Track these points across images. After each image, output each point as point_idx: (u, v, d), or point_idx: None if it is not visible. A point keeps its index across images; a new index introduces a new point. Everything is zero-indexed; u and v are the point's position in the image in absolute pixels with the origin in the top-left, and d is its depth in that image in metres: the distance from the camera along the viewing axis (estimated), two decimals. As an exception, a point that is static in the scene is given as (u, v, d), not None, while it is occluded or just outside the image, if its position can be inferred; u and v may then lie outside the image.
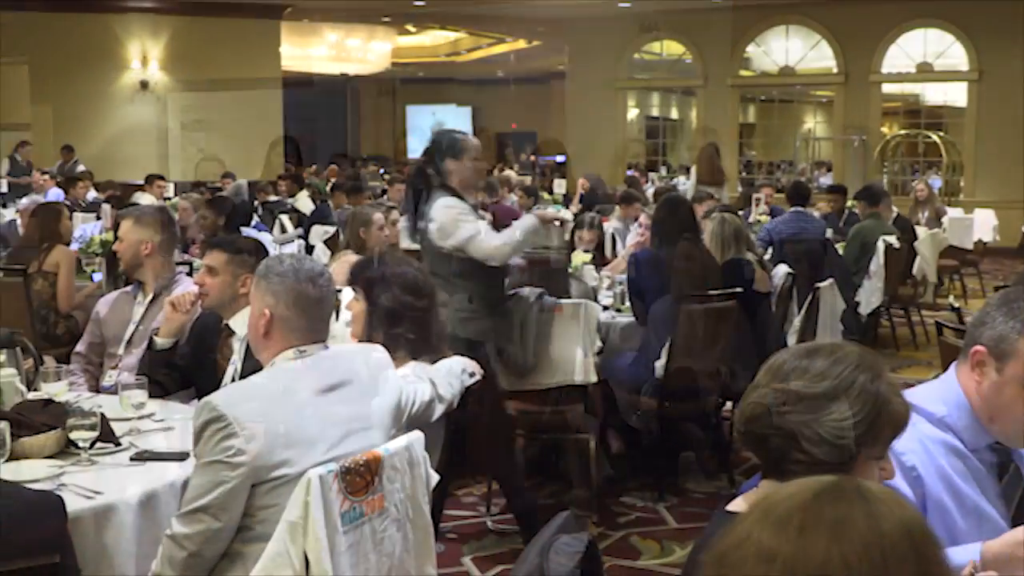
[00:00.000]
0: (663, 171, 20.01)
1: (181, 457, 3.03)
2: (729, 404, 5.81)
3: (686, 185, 13.78)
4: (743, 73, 18.78)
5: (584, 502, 5.26)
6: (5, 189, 14.14)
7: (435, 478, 2.87)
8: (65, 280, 6.67)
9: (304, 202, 13.02)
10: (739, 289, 5.39)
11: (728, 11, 17.47)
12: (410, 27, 24.72)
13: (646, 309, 5.40)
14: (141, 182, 13.46)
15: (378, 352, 2.97)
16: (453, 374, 3.29)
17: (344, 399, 2.71)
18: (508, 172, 17.90)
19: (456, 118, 32.03)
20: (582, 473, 5.46)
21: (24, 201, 9.43)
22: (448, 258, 4.65)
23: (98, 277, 7.10)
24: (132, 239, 4.49)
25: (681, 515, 5.18)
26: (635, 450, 5.87)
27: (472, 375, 3.40)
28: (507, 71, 28.36)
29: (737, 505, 2.05)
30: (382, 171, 22.39)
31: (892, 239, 8.70)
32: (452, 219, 4.62)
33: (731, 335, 5.35)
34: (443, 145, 4.80)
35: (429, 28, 25.10)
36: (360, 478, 2.53)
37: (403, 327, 3.42)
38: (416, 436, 2.79)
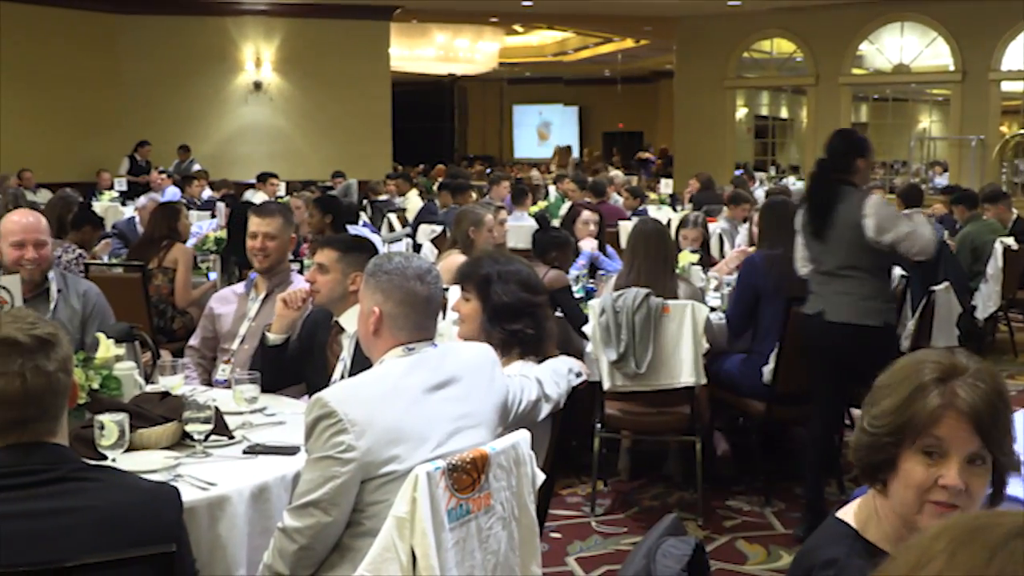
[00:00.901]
0: (772, 171, 19.73)
1: (292, 451, 3.08)
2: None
3: (796, 186, 13.57)
4: (856, 71, 18.39)
5: (690, 505, 5.22)
6: (125, 187, 14.55)
7: (541, 477, 2.86)
8: (183, 277, 6.85)
9: (414, 201, 13.16)
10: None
11: (841, 8, 17.14)
12: (517, 27, 24.80)
13: (755, 312, 5.32)
14: (253, 181, 13.75)
15: (485, 350, 2.98)
16: (560, 374, 3.28)
17: (452, 397, 2.72)
18: (614, 172, 17.82)
19: (563, 118, 32.11)
20: (688, 475, 5.42)
21: (142, 199, 9.67)
22: (875, 252, 4.70)
23: (213, 276, 7.26)
24: (284, 237, 4.60)
25: (789, 520, 5.10)
26: (742, 453, 5.81)
27: (579, 375, 3.38)
28: (614, 70, 28.26)
29: (847, 513, 2.01)
30: (488, 170, 22.49)
31: (1010, 241, 8.44)
32: (891, 215, 4.75)
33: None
34: (854, 144, 4.88)
35: (537, 28, 25.14)
36: (467, 475, 2.54)
37: (522, 323, 3.41)
38: (523, 435, 2.79)
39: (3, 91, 15.36)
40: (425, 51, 24.37)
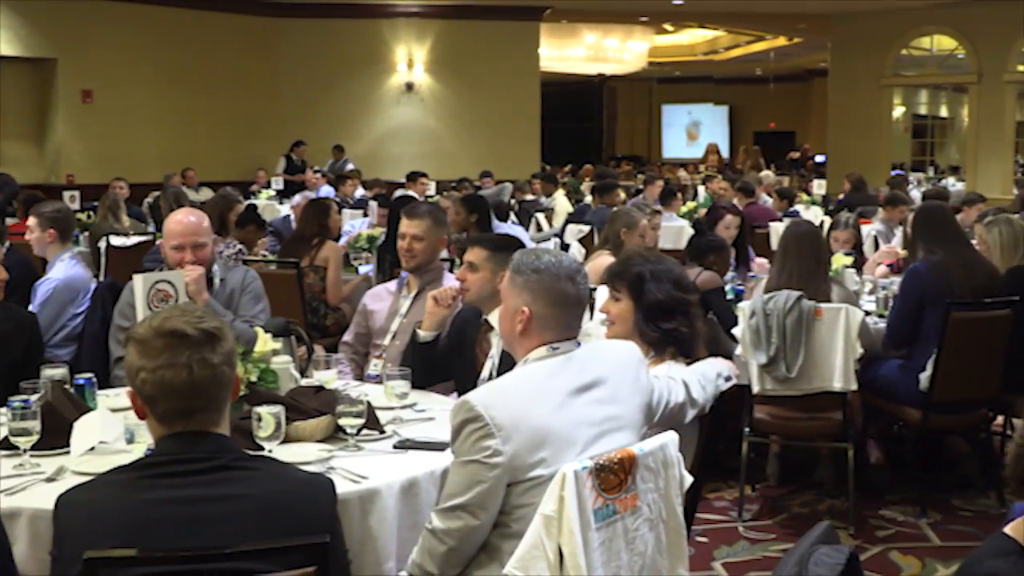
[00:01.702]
0: (930, 172, 19.11)
1: (441, 447, 3.11)
2: (1000, 418, 5.51)
3: (956, 187, 13.12)
4: (1021, 68, 17.67)
5: (841, 513, 5.10)
6: (281, 186, 14.97)
7: (689, 480, 2.83)
8: (334, 274, 7.00)
9: (560, 201, 13.19)
10: (1015, 297, 5.07)
11: (1006, 2, 16.47)
12: (668, 26, 24.61)
13: (918, 321, 5.14)
14: (403, 180, 13.99)
15: (631, 348, 2.94)
16: (708, 378, 3.22)
17: (598, 399, 2.69)
18: (765, 172, 17.51)
19: (713, 117, 31.74)
20: (839, 483, 5.30)
21: (297, 198, 9.96)
22: None
23: (363, 269, 7.41)
24: (433, 238, 4.66)
25: (945, 533, 4.93)
26: (896, 462, 5.64)
27: (728, 379, 3.32)
28: (766, 69, 27.79)
29: (1016, 529, 1.93)
30: (637, 171, 22.39)
31: None
32: None
33: (1005, 346, 5.06)
34: None
35: (687, 27, 24.90)
36: (613, 476, 2.52)
37: (676, 321, 3.37)
38: (671, 437, 2.76)
39: (169, 93, 16.01)
40: (574, 51, 24.39)
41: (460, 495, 2.54)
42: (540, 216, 11.59)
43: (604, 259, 5.48)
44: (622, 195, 11.71)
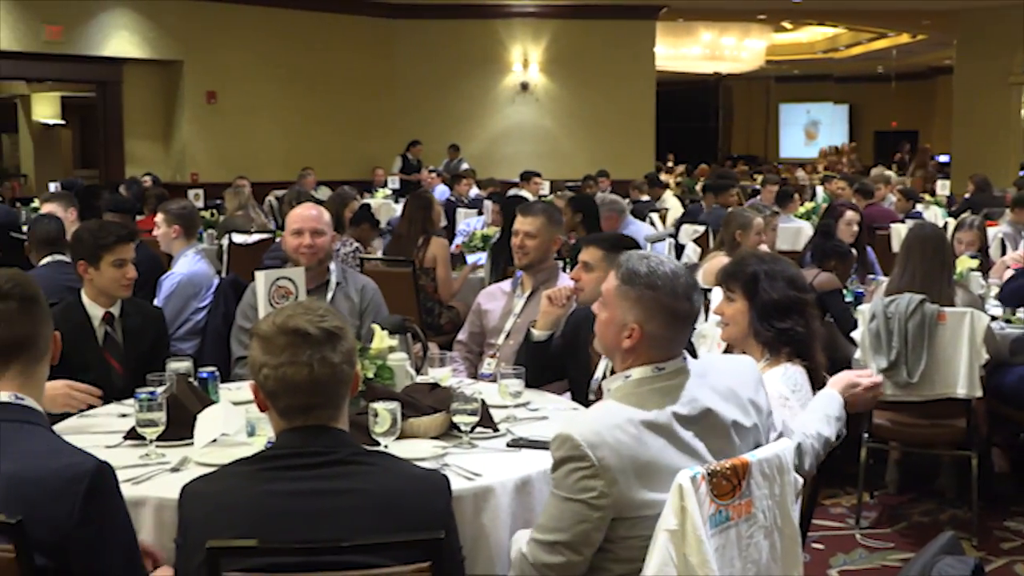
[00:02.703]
0: (1061, 172, 18.45)
1: (555, 446, 3.12)
2: None
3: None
4: None
5: (963, 523, 4.96)
6: (397, 185, 15.15)
7: (800, 483, 2.78)
8: (443, 271, 7.03)
9: (672, 202, 13.09)
10: None
11: None
12: (786, 24, 24.23)
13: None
14: (517, 179, 14.04)
15: (749, 366, 2.79)
16: (829, 418, 2.98)
17: (710, 428, 2.57)
18: (887, 172, 17.11)
19: (832, 116, 31.14)
20: (961, 492, 5.15)
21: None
22: None
23: (471, 259, 7.42)
24: (545, 236, 4.67)
25: (1074, 546, 4.77)
26: (1022, 471, 5.47)
27: (838, 418, 3.02)
28: (888, 67, 27.13)
29: None
30: (753, 171, 22.09)
31: None
32: None
33: None
34: None
35: (806, 24, 24.48)
36: (727, 482, 2.48)
37: (791, 320, 3.29)
38: (786, 444, 2.70)
39: (290, 94, 16.34)
40: (690, 50, 24.18)
41: (562, 531, 2.44)
42: (654, 216, 11.52)
43: (719, 260, 5.42)
44: (736, 194, 11.55)
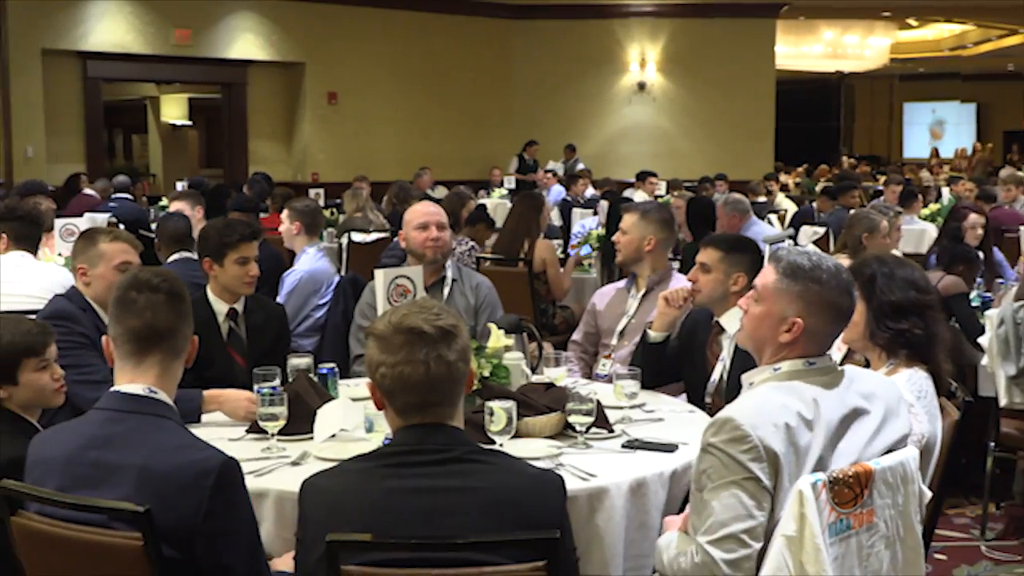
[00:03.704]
0: None
1: (670, 448, 3.10)
2: None
3: None
4: None
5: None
6: (513, 185, 15.21)
7: (928, 495, 2.71)
8: (553, 273, 6.98)
9: (785, 203, 12.89)
10: None
11: None
12: (911, 21, 23.63)
13: None
14: (632, 180, 13.97)
15: (892, 385, 2.74)
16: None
17: (865, 428, 2.54)
18: (1020, 173, 16.53)
19: (958, 115, 30.27)
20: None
21: (529, 197, 10.09)
22: None
23: (583, 252, 7.40)
24: (636, 235, 4.63)
25: None
26: None
27: None
28: (1020, 64, 26.25)
29: None
30: (875, 171, 21.60)
31: None
32: None
33: None
34: None
35: (932, 21, 23.83)
36: (848, 490, 2.43)
37: (909, 322, 3.20)
38: (911, 452, 2.63)
39: (408, 95, 16.54)
40: (812, 48, 23.75)
41: (739, 520, 2.38)
42: (773, 217, 11.35)
43: (841, 262, 5.31)
44: (858, 195, 11.31)
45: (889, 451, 2.56)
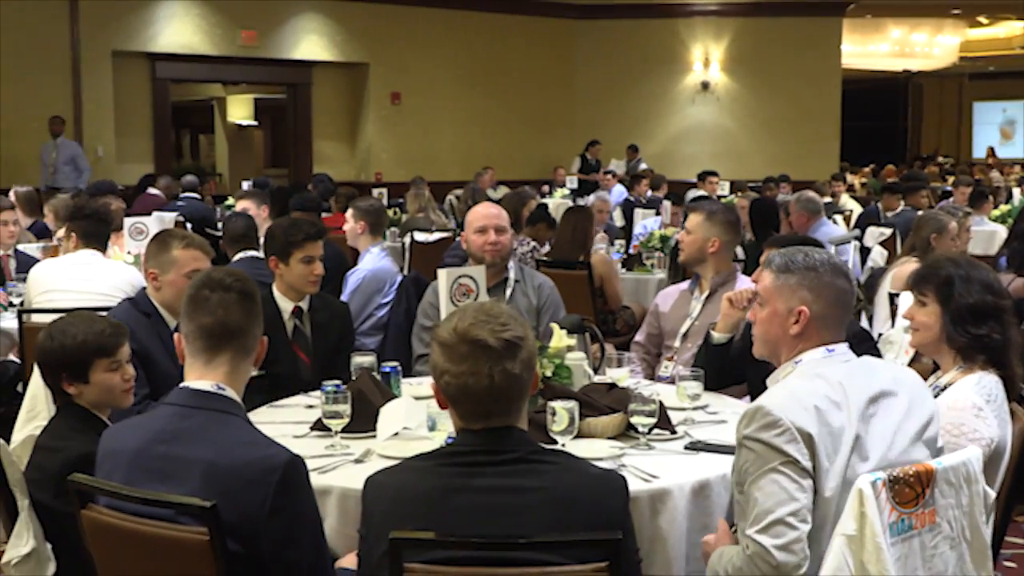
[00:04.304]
0: None
1: (733, 450, 3.07)
2: None
3: None
4: None
5: None
6: (575, 185, 15.18)
7: (992, 496, 2.66)
8: (611, 288, 6.91)
9: (850, 204, 12.73)
10: None
11: None
12: (982, 19, 23.23)
13: None
14: (694, 179, 13.90)
15: (915, 373, 2.77)
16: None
17: (891, 410, 2.55)
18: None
19: (1030, 115, 29.68)
20: None
21: (591, 197, 10.07)
22: None
23: (661, 273, 7.36)
24: (700, 235, 4.59)
25: None
26: None
27: None
28: (1096, 62, 25.68)
29: None
30: (944, 172, 21.26)
31: None
32: None
33: None
34: None
35: (1003, 19, 23.41)
36: (910, 489, 2.41)
37: (988, 327, 3.15)
38: (974, 452, 2.60)
39: (471, 95, 16.60)
40: (879, 47, 23.45)
41: (783, 504, 2.39)
42: (838, 218, 11.22)
43: (909, 265, 5.23)
44: (926, 196, 11.14)
45: (922, 433, 2.58)
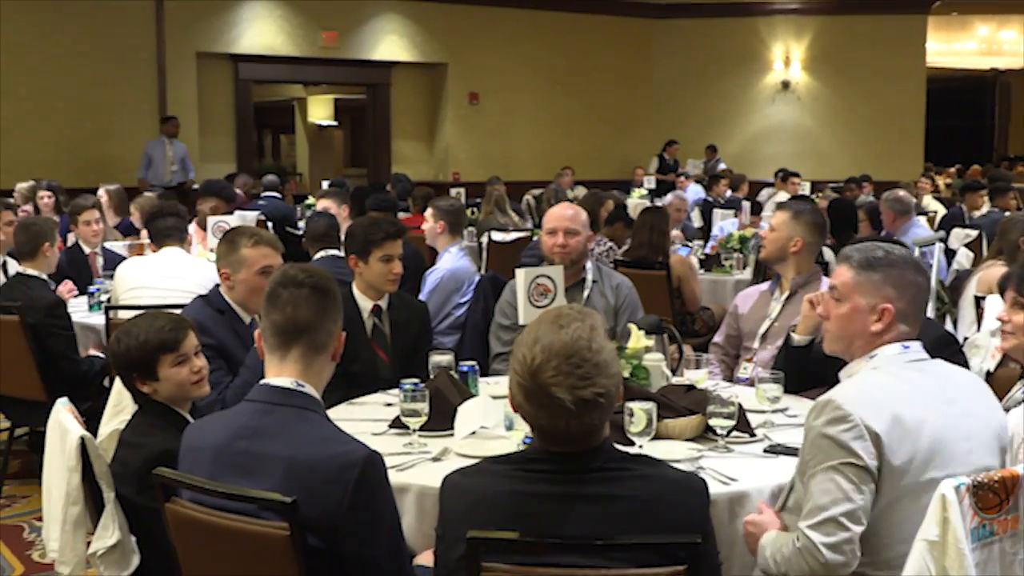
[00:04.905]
0: None
1: (813, 453, 3.03)
2: None
3: None
4: None
5: None
6: (653, 185, 15.11)
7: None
8: (688, 289, 6.86)
9: (932, 205, 12.50)
10: None
11: None
12: (1074, 14, 22.66)
13: None
14: (771, 180, 13.75)
15: (975, 375, 2.79)
16: None
17: (961, 412, 2.54)
18: None
19: (1124, 114, 28.83)
20: None
21: (668, 197, 10.01)
22: None
23: (683, 252, 7.27)
24: (784, 233, 4.53)
25: None
26: None
27: None
28: None
29: None
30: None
31: None
32: None
33: None
34: None
35: (1098, 15, 22.81)
36: (993, 495, 2.36)
37: None
38: (1059, 460, 2.55)
39: (548, 95, 16.61)
40: (965, 44, 22.98)
41: (838, 504, 2.41)
42: (921, 219, 11.02)
43: (996, 269, 5.11)
44: (1014, 199, 10.90)
45: (994, 439, 2.57)
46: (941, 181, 18.76)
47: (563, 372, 2.13)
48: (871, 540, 2.45)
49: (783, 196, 11.81)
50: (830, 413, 2.44)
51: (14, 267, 6.19)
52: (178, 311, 3.51)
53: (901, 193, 8.29)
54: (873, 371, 2.62)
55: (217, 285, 4.08)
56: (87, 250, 6.97)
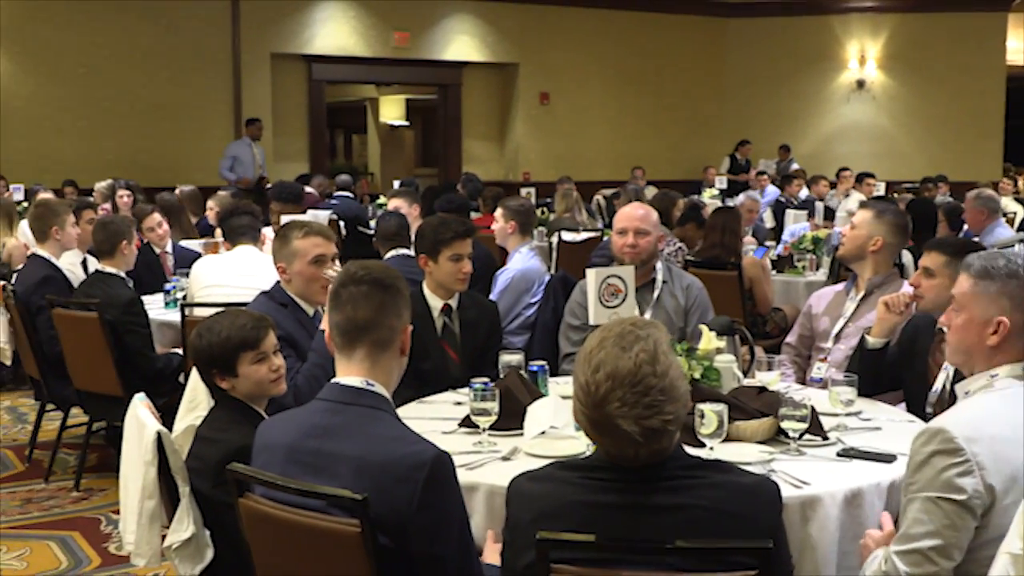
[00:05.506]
0: None
1: (888, 459, 2.99)
2: None
3: None
4: None
5: None
6: (725, 185, 14.99)
7: None
8: (760, 291, 6.79)
9: (1012, 206, 12.25)
10: None
11: None
12: None
13: None
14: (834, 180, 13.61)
15: None
16: None
17: None
18: None
19: None
20: None
21: (740, 197, 9.92)
22: None
23: (759, 254, 7.17)
24: (864, 231, 4.47)
25: None
26: None
27: None
28: None
29: None
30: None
31: None
32: None
33: None
34: None
35: None
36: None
37: None
38: None
39: (619, 94, 16.57)
40: (1047, 42, 22.45)
41: (929, 537, 2.33)
42: (1001, 220, 10.79)
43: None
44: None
45: None
46: (1022, 182, 18.38)
47: (628, 403, 2.07)
48: (968, 567, 2.36)
49: (858, 197, 11.65)
50: (940, 444, 2.34)
51: (93, 264, 6.31)
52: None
53: (989, 191, 8.08)
54: (990, 393, 2.50)
55: (278, 281, 4.13)
56: (157, 250, 7.08)
